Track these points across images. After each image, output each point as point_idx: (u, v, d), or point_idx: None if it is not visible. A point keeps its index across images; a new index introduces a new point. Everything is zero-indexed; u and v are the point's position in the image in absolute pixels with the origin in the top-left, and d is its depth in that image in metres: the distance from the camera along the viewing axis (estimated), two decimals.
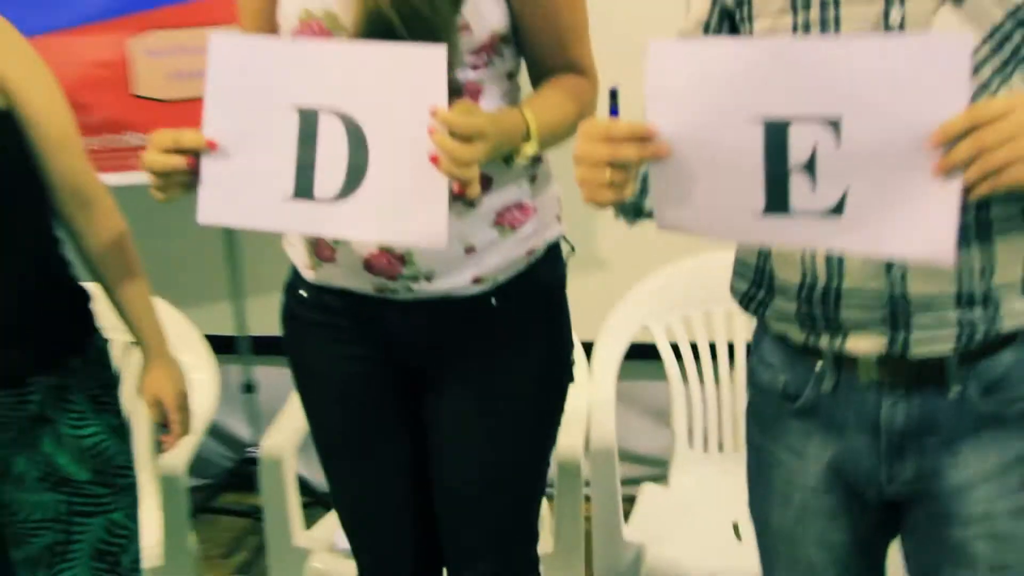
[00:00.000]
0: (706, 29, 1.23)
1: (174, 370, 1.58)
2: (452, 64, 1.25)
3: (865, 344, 1.17)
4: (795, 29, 1.12)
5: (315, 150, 1.20)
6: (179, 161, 1.24)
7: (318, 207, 1.22)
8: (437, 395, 1.52)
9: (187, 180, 1.26)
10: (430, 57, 1.15)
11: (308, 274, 1.50)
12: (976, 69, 1.04)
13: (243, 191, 1.24)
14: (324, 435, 1.61)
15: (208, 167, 1.25)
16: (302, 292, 1.52)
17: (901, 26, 1.07)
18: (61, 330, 1.49)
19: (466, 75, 1.35)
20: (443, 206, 1.18)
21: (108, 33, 2.46)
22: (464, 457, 1.53)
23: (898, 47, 0.98)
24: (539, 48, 1.41)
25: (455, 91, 1.30)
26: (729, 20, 1.21)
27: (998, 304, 1.13)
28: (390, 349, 1.50)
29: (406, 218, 1.20)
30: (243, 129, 1.23)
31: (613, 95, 1.10)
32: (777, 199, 1.04)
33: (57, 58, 1.70)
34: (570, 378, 1.58)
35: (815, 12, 1.11)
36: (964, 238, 1.08)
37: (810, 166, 1.02)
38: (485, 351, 1.48)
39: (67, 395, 1.47)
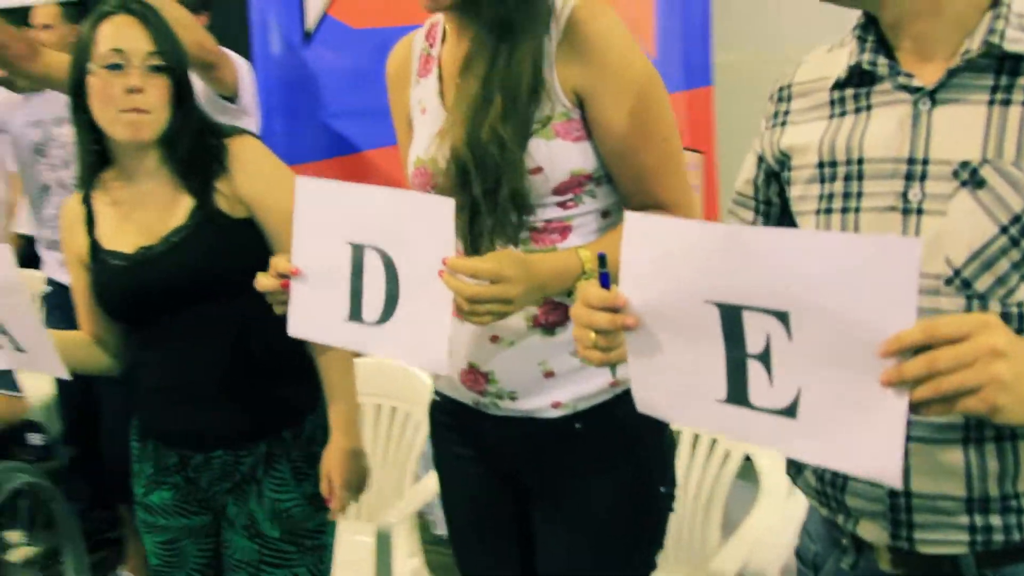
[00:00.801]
0: (756, 188, 1.27)
1: (350, 454, 1.75)
2: (523, 206, 1.40)
3: (872, 532, 1.13)
4: (820, 199, 1.14)
5: (362, 280, 1.36)
6: (275, 284, 1.43)
7: (366, 329, 1.37)
8: (533, 504, 1.58)
9: (285, 299, 1.43)
10: (439, 207, 1.27)
11: (435, 381, 1.65)
12: (991, 262, 1.01)
13: (319, 311, 1.42)
14: (449, 522, 1.72)
15: (296, 290, 1.43)
16: (436, 395, 1.67)
17: (920, 206, 1.05)
18: (280, 407, 1.76)
19: (551, 213, 1.44)
20: (443, 337, 1.30)
21: None
22: (551, 567, 1.58)
23: (847, 245, 0.93)
24: (622, 186, 1.46)
25: (517, 228, 1.42)
26: (776, 181, 1.23)
27: (1022, 510, 1.06)
28: (491, 457, 1.59)
29: (419, 344, 1.34)
30: (318, 259, 1.40)
31: (601, 260, 1.14)
32: (737, 389, 1.02)
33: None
34: (665, 507, 1.59)
35: (839, 185, 1.12)
36: (977, 438, 1.04)
37: (765, 357, 0.99)
38: (571, 471, 1.52)
39: (274, 462, 1.76)
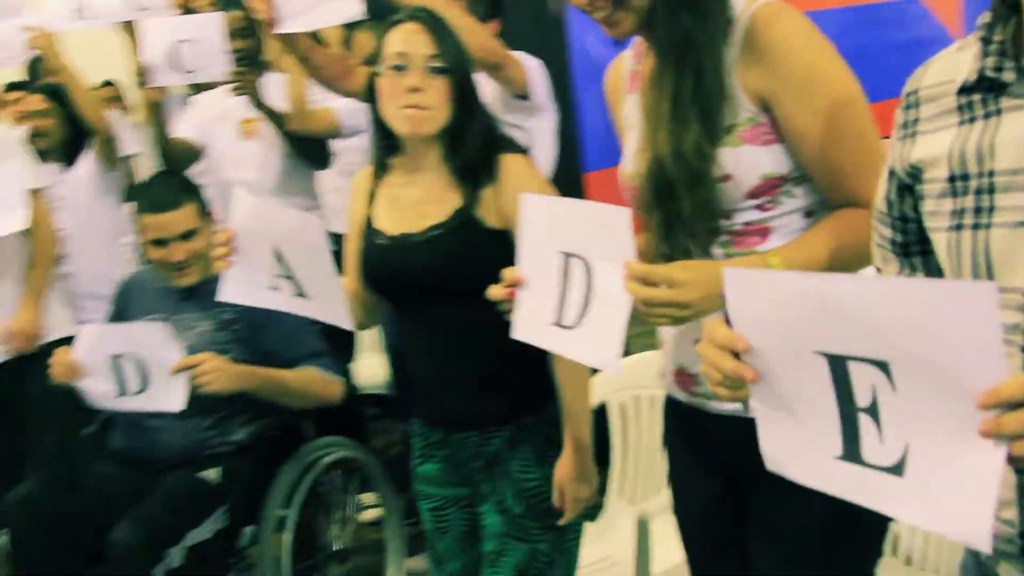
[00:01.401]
0: (889, 205, 1.21)
1: (580, 472, 1.81)
2: (714, 210, 1.44)
3: (1010, 573, 1.07)
4: (952, 215, 1.07)
5: (567, 286, 1.42)
6: (504, 293, 1.49)
7: (565, 332, 1.42)
8: (750, 509, 1.57)
9: (511, 307, 1.50)
10: (618, 216, 1.31)
11: (661, 380, 1.68)
12: None
13: (536, 316, 1.48)
14: (681, 530, 1.73)
15: (520, 297, 1.49)
16: (667, 396, 1.69)
17: None
18: (523, 394, 1.87)
19: (748, 216, 1.45)
20: (618, 338, 1.34)
21: None
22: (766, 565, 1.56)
23: (927, 292, 0.88)
24: (819, 186, 1.45)
25: (711, 235, 1.46)
26: (910, 194, 1.16)
27: None
28: (711, 455, 1.61)
29: (597, 344, 1.38)
30: (537, 267, 1.46)
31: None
32: (850, 446, 0.99)
33: None
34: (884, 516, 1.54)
35: (970, 199, 1.05)
36: None
37: (873, 410, 0.96)
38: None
39: (519, 445, 1.86)
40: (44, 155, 3.43)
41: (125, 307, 2.71)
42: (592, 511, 1.97)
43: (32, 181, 2.95)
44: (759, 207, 1.45)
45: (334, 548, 2.85)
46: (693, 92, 1.41)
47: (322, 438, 2.74)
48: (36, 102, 3.46)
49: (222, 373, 2.34)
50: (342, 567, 2.90)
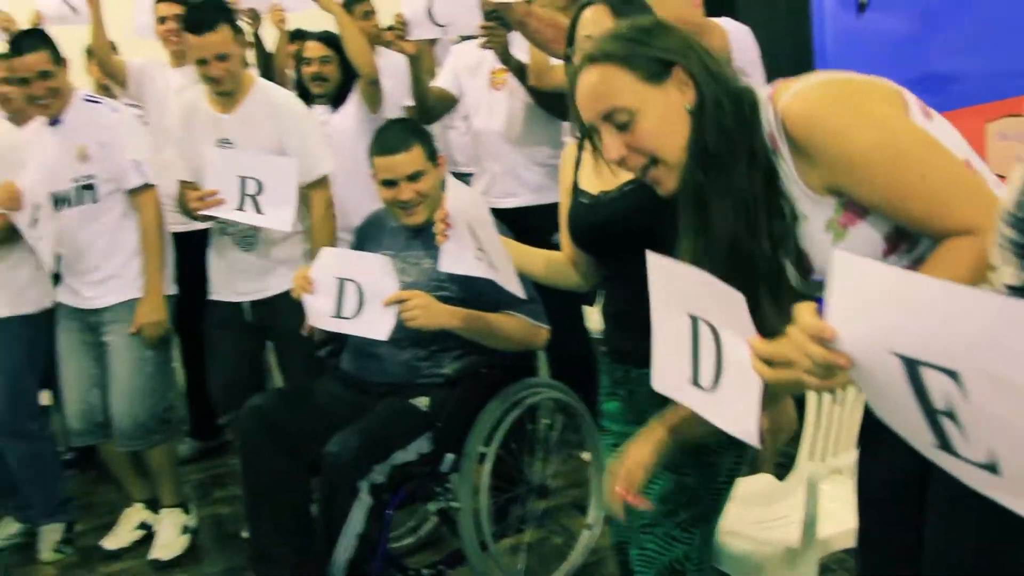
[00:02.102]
0: (1019, 205, 1.13)
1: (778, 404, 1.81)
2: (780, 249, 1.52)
3: None
4: None
5: (699, 348, 1.48)
6: None
7: (702, 393, 1.49)
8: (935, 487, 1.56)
9: None
10: (734, 298, 1.35)
11: None
12: None
13: (673, 369, 1.55)
14: (859, 493, 1.74)
15: (659, 347, 1.59)
16: None
17: None
18: None
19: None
20: (754, 412, 1.39)
21: (970, 118, 2.89)
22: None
23: (1000, 308, 0.89)
24: (921, 231, 1.43)
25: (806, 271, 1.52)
26: None
27: None
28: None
29: (735, 413, 1.43)
30: (670, 323, 1.54)
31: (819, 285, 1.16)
32: (942, 440, 1.04)
33: None
34: None
35: None
36: None
37: (951, 415, 0.99)
38: None
39: None
40: (318, 99, 3.77)
41: (363, 240, 2.98)
42: (781, 469, 1.98)
43: (303, 174, 3.15)
44: (897, 256, 1.46)
45: (536, 482, 3.02)
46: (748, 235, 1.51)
47: (529, 378, 2.90)
48: (318, 49, 3.79)
49: (428, 311, 2.54)
50: (543, 501, 3.07)
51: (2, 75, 3.71)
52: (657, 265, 1.52)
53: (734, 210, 1.51)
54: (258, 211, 3.05)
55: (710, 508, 1.93)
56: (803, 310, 1.17)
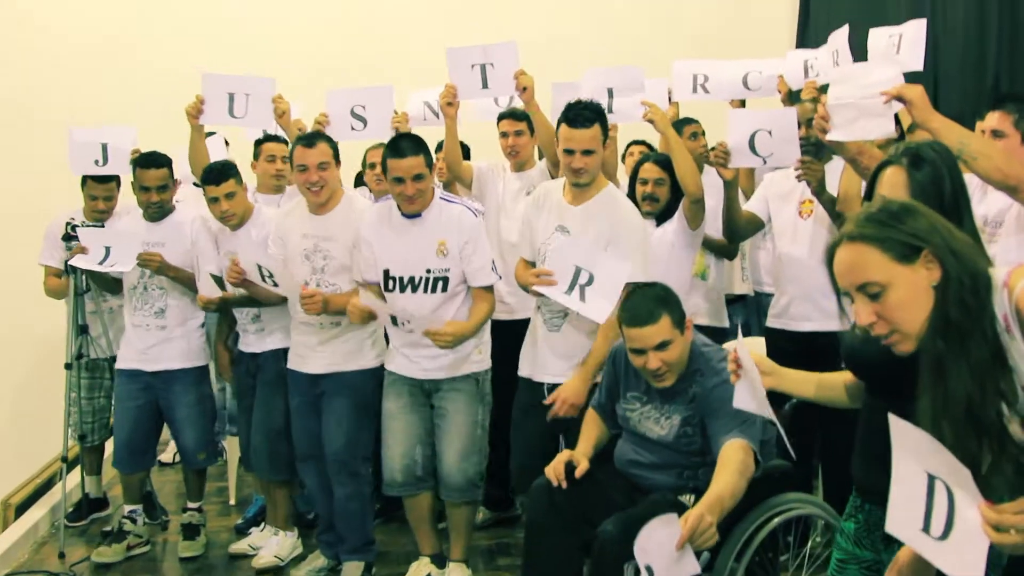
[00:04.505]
0: None
1: None
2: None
3: None
4: None
5: (933, 502, 1.66)
6: None
7: (930, 540, 1.66)
8: None
9: None
10: (963, 471, 1.59)
11: None
12: None
13: (908, 518, 1.73)
14: None
15: (896, 497, 1.74)
16: None
17: None
18: None
19: None
20: (980, 565, 1.57)
21: None
22: None
23: None
24: None
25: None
26: None
27: None
28: None
29: (962, 562, 1.60)
30: (911, 479, 1.71)
31: None
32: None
33: None
34: None
35: None
36: None
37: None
38: None
39: None
40: (646, 216, 3.99)
41: (618, 367, 3.23)
42: None
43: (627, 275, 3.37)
44: None
45: None
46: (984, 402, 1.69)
47: (786, 494, 3.02)
48: (654, 171, 4.05)
49: None
50: None
51: (372, 161, 4.35)
52: (899, 428, 1.67)
53: (970, 376, 1.68)
54: (582, 299, 3.37)
55: None
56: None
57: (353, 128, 4.28)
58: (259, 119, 4.36)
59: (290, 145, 4.19)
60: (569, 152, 3.46)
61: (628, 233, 3.50)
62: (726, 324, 4.39)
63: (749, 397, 2.33)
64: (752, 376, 2.28)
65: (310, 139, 3.79)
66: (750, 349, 2.32)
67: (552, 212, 3.61)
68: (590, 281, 3.35)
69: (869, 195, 2.40)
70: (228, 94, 4.23)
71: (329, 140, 3.84)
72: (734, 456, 2.74)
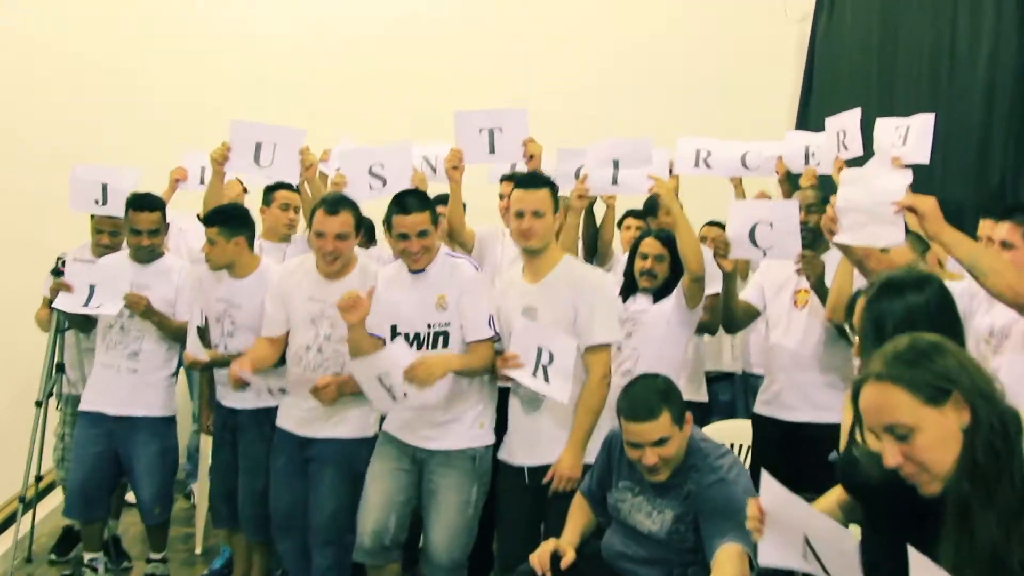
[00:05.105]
0: None
1: None
2: None
3: None
4: None
5: None
6: None
7: None
8: None
9: None
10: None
11: None
12: None
13: None
14: None
15: None
16: None
17: None
18: None
19: None
20: None
21: None
22: None
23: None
24: None
25: None
26: None
27: None
28: None
29: None
30: None
31: None
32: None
33: None
34: None
35: None
36: None
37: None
38: None
39: None
40: (643, 292, 3.99)
41: (611, 455, 3.19)
42: None
43: (585, 339, 3.40)
44: None
45: None
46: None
47: None
48: (655, 246, 3.97)
49: None
50: None
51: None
52: (919, 563, 1.61)
53: (997, 522, 1.64)
54: (546, 380, 3.32)
55: None
56: None
57: (372, 187, 4.17)
58: (285, 171, 4.20)
59: (302, 193, 4.15)
60: (519, 215, 3.43)
61: (591, 293, 3.45)
62: (705, 398, 4.38)
63: (778, 552, 2.02)
64: (782, 523, 1.99)
65: (334, 206, 3.67)
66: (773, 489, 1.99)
67: (514, 296, 3.55)
68: (551, 360, 3.32)
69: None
70: (256, 143, 4.11)
71: (353, 208, 3.72)
72: (727, 564, 2.68)
